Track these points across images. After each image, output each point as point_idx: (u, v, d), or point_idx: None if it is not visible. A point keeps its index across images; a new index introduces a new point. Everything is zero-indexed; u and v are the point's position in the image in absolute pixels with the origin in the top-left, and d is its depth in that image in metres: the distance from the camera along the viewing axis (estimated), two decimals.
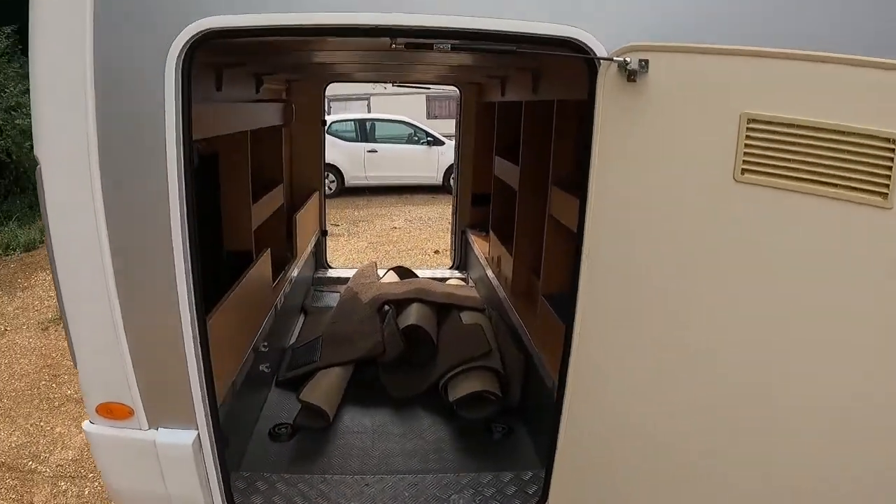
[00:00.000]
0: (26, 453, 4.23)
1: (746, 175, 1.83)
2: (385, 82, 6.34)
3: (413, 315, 4.60)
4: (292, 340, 4.79)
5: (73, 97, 1.99)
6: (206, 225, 3.61)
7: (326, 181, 14.56)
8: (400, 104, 15.86)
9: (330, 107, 17.20)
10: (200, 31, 1.95)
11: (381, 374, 4.12)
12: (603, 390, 2.21)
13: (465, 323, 4.60)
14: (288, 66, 4.16)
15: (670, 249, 2.01)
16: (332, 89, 17.03)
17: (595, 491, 2.32)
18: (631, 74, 1.97)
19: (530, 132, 3.89)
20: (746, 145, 1.82)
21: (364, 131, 15.18)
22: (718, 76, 1.86)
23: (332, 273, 6.35)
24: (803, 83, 1.75)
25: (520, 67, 3.73)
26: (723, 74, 1.86)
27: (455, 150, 6.40)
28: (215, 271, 3.50)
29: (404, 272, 6.00)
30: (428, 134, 14.87)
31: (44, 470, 4.05)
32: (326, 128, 14.86)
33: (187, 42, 1.95)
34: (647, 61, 1.95)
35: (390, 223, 12.44)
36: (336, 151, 14.66)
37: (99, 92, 1.99)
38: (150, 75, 1.98)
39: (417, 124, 15.15)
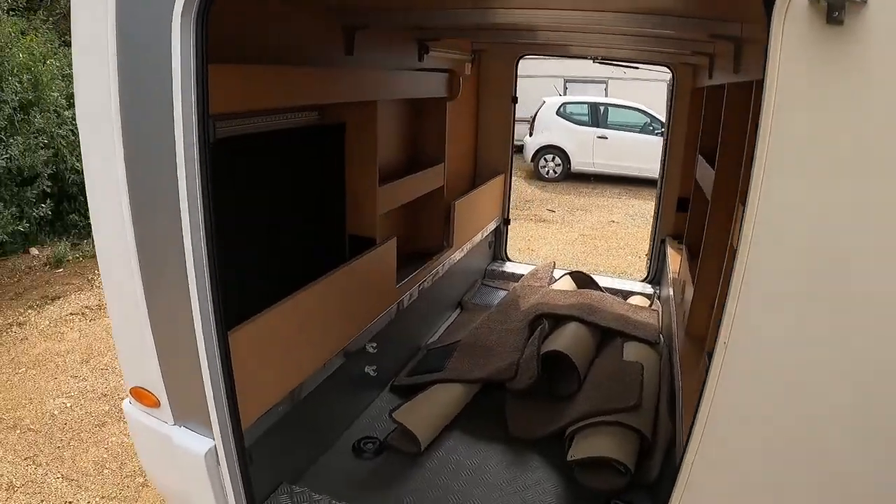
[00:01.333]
0: None
1: None
2: (583, 58, 5.41)
3: (565, 338, 3.81)
4: (434, 338, 4.36)
5: (100, 62, 1.77)
6: (325, 203, 3.35)
7: (552, 164, 14.13)
8: (639, 90, 14.36)
9: (566, 88, 16.45)
10: None
11: (507, 402, 3.46)
12: None
13: (624, 359, 3.66)
14: (440, 27, 3.62)
15: None
16: (570, 70, 16.29)
17: None
18: (834, 9, 1.03)
19: (730, 126, 2.80)
20: None
21: (597, 116, 14.13)
22: None
23: (507, 267, 5.73)
24: None
25: (726, 37, 2.62)
26: None
27: (663, 144, 5.23)
28: (329, 257, 3.21)
29: (582, 279, 5.14)
30: (664, 124, 13.18)
31: None
32: (558, 109, 14.35)
33: None
34: None
35: (608, 216, 11.38)
36: (565, 134, 13.99)
37: (119, 54, 1.74)
38: (159, 34, 1.65)
39: (654, 113, 13.57)
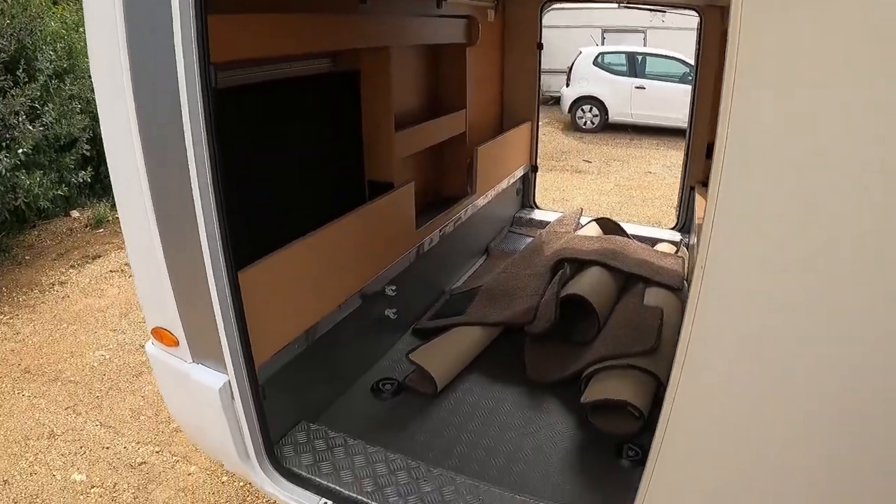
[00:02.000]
0: None
1: None
2: (609, 1, 5.17)
3: (585, 282, 3.77)
4: (458, 283, 4.38)
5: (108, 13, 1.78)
6: (342, 150, 3.36)
7: (589, 115, 13.77)
8: (679, 39, 13.78)
9: (604, 38, 15.89)
10: None
11: (525, 346, 3.46)
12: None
13: (645, 304, 3.60)
14: None
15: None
16: (606, 20, 15.70)
17: None
18: None
19: None
20: None
21: (634, 66, 13.63)
22: None
23: (536, 214, 5.67)
24: None
25: None
26: None
27: (692, 89, 5.01)
28: (349, 202, 3.23)
29: (610, 226, 5.05)
30: None
31: None
32: (595, 60, 13.89)
33: None
34: None
35: (646, 166, 11.08)
36: (602, 84, 13.61)
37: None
38: None
39: (693, 63, 13.00)
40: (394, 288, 3.34)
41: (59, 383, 4.35)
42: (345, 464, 2.46)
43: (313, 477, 2.39)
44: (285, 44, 2.57)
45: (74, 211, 7.84)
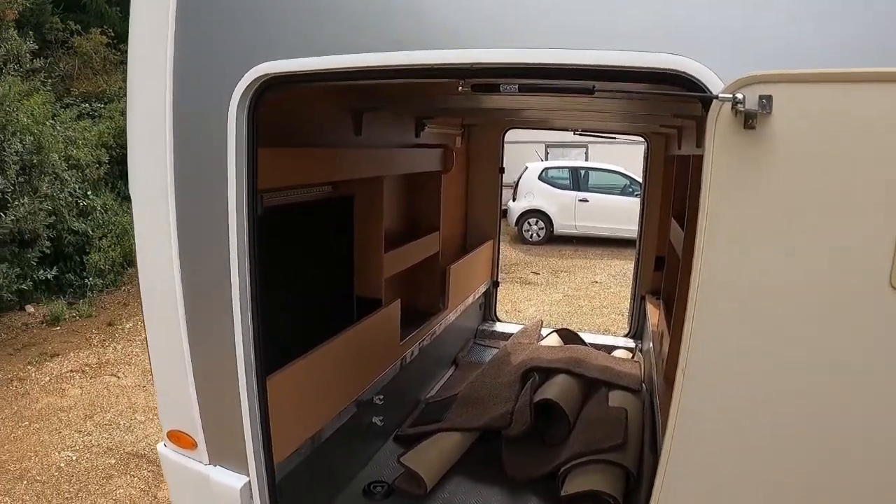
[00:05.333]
0: None
1: None
2: (565, 130, 5.94)
3: (555, 388, 4.10)
4: (432, 393, 4.61)
5: (156, 139, 2.12)
6: (336, 268, 3.66)
7: (535, 228, 14.65)
8: (620, 154, 15.16)
9: (548, 153, 17.20)
10: (262, 76, 1.91)
11: (503, 448, 3.71)
12: None
13: (609, 405, 3.95)
14: (437, 109, 4.09)
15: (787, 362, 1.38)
16: (550, 136, 17.06)
17: None
18: (749, 118, 1.41)
19: (697, 193, 3.23)
20: None
21: (577, 179, 14.77)
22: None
23: (498, 327, 6.04)
24: None
25: (688, 116, 3.09)
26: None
27: (640, 207, 5.70)
28: (340, 315, 3.50)
29: (569, 336, 5.46)
30: (642, 187, 13.84)
31: None
32: (540, 174, 14.93)
33: (250, 86, 1.94)
34: (769, 98, 1.37)
35: (591, 276, 11.79)
36: (547, 198, 14.51)
37: (175, 135, 2.08)
38: (215, 119, 2.00)
39: (633, 176, 14.27)
40: (381, 397, 3.57)
41: (25, 482, 4.22)
42: None
43: None
44: (301, 174, 2.92)
45: (30, 306, 7.69)
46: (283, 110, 2.91)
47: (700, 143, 2.99)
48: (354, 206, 3.66)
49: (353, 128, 3.44)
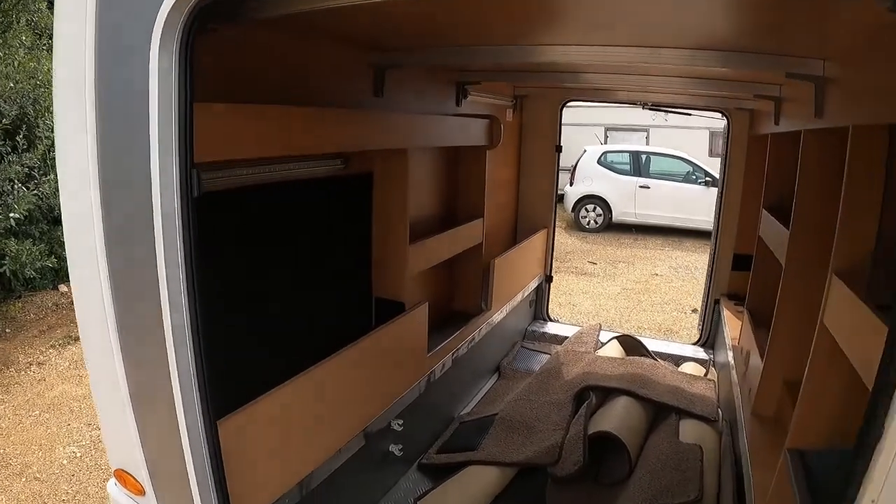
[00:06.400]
0: None
1: None
2: (631, 104, 5.14)
3: (615, 417, 3.42)
4: (468, 408, 3.98)
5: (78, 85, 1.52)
6: (348, 264, 3.01)
7: (592, 214, 13.76)
8: (681, 138, 14.01)
9: (607, 136, 16.21)
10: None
11: (548, 488, 3.06)
12: None
13: (681, 441, 3.24)
14: (479, 72, 3.36)
15: None
16: (610, 119, 16.15)
17: None
18: None
19: (809, 180, 2.44)
20: None
21: (638, 165, 13.79)
22: None
23: (549, 328, 5.32)
24: None
25: (796, 75, 2.27)
26: None
27: (717, 196, 4.84)
28: (352, 325, 2.88)
29: (631, 344, 4.73)
30: (707, 173, 12.82)
31: None
32: (599, 158, 14.07)
33: (175, 10, 1.31)
34: None
35: (651, 268, 10.90)
36: (607, 183, 13.65)
37: (97, 83, 1.48)
38: (137, 59, 1.39)
39: (697, 162, 13.22)
40: (401, 422, 2.96)
41: (24, 479, 3.92)
42: None
43: None
44: (286, 141, 2.19)
45: (63, 285, 7.50)
46: (285, 64, 2.30)
47: (821, 111, 2.21)
48: (373, 185, 2.99)
49: (371, 87, 2.80)
